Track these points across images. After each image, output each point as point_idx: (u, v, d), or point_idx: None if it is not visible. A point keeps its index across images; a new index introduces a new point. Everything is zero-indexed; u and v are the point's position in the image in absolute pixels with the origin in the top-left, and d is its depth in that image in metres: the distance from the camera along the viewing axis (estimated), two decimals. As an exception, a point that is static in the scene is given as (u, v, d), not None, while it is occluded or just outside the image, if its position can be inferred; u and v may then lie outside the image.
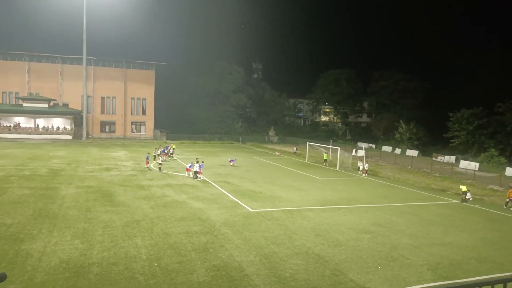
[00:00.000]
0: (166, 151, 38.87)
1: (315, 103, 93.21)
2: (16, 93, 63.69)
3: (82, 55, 61.41)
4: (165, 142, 55.86)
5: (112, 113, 69.43)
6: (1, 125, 59.24)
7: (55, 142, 54.03)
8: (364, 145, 60.73)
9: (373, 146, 66.99)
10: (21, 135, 58.06)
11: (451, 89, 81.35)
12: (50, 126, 61.69)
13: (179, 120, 74.85)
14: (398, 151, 58.75)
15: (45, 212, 16.36)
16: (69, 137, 60.71)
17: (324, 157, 40.86)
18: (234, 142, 67.42)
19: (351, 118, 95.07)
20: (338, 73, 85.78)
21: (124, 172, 28.62)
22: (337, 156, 38.11)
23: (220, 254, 12.26)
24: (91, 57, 64.69)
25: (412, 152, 55.26)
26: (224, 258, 11.98)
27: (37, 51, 65.18)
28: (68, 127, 62.59)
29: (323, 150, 43.49)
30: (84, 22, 58.43)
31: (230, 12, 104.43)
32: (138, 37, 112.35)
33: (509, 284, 3.91)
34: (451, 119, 58.32)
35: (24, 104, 60.96)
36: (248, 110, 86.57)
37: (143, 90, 70.18)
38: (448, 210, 20.84)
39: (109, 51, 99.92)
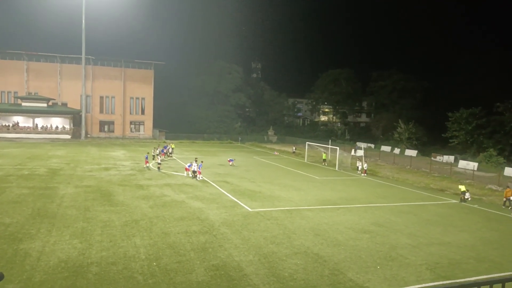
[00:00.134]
0: (165, 151, 38.85)
1: (314, 102, 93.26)
2: (15, 92, 63.55)
3: (81, 55, 61.32)
4: (164, 142, 55.83)
5: (111, 113, 69.32)
6: (0, 125, 59.12)
7: (54, 142, 53.94)
8: (363, 145, 60.78)
9: (372, 146, 67.03)
10: (20, 135, 57.92)
11: (450, 89, 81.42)
12: (49, 126, 61.59)
13: (178, 120, 74.78)
14: (397, 151, 58.81)
15: (43, 212, 16.34)
16: (68, 136, 60.59)
17: (323, 157, 40.88)
18: (233, 142, 67.38)
19: (350, 118, 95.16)
20: (337, 73, 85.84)
21: (123, 172, 28.59)
22: (336, 156, 38.12)
23: (219, 254, 12.26)
24: (90, 57, 64.56)
25: (411, 152, 55.33)
26: (223, 257, 11.97)
27: (36, 50, 65.08)
28: (67, 126, 62.48)
29: (322, 150, 43.48)
30: (83, 21, 58.33)
31: (230, 12, 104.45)
32: (137, 37, 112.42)
33: (508, 284, 3.91)
34: (450, 119, 58.35)
35: (23, 104, 60.83)
36: (247, 109, 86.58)
37: (142, 90, 70.08)
38: (447, 210, 20.87)
39: (108, 50, 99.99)
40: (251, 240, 13.78)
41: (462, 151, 54.98)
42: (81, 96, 63.36)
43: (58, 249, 12.06)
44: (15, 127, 59.58)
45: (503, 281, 3.86)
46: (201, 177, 26.79)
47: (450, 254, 13.40)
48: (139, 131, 70.78)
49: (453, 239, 15.21)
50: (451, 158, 48.63)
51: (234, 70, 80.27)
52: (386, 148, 62.13)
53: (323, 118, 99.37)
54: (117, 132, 69.09)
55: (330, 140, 47.43)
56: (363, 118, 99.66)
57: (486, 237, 15.83)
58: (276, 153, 50.58)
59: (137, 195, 20.64)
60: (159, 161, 30.73)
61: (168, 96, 76.90)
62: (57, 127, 62.00)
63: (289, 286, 10.22)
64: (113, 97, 69.11)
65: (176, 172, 29.76)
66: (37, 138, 56.99)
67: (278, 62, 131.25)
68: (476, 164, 41.87)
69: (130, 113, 70.35)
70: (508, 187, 23.13)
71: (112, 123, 69.31)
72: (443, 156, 50.42)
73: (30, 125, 60.65)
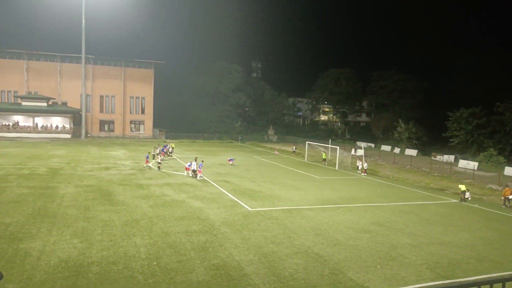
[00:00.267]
0: (165, 150, 38.85)
1: (314, 102, 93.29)
2: (15, 91, 63.53)
3: (81, 54, 61.33)
4: (164, 141, 55.83)
5: (111, 112, 69.33)
6: (0, 124, 59.13)
7: (54, 141, 53.93)
8: (363, 144, 60.74)
9: (372, 145, 67.09)
10: (20, 134, 57.94)
11: (450, 89, 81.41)
12: (49, 125, 61.60)
13: (178, 119, 74.80)
14: (397, 150, 58.84)
15: (44, 211, 16.34)
16: (68, 136, 60.62)
17: (323, 157, 40.89)
18: (234, 141, 67.39)
19: (350, 118, 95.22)
20: (338, 73, 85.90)
21: (123, 171, 28.60)
22: (336, 155, 38.11)
23: (219, 253, 12.26)
24: (90, 56, 64.58)
25: (411, 152, 55.35)
26: (223, 257, 11.98)
27: (36, 49, 65.06)
28: (67, 126, 62.49)
29: (322, 149, 43.48)
30: (83, 20, 58.33)
31: (230, 12, 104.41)
32: (137, 36, 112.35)
33: (508, 283, 3.91)
34: (450, 118, 58.38)
35: (23, 103, 60.85)
36: (247, 109, 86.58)
37: (142, 89, 70.07)
38: (447, 210, 20.87)
39: (108, 49, 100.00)
40: (251, 240, 13.79)
41: (462, 151, 55.00)
42: (81, 95, 63.37)
43: (59, 248, 12.06)
44: (15, 127, 59.61)
45: (503, 280, 3.87)
46: (202, 177, 26.80)
47: (450, 254, 13.40)
48: (139, 131, 70.79)
49: (454, 239, 15.21)
50: (451, 158, 48.65)
51: (234, 70, 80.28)
52: (386, 148, 62.16)
53: (323, 117, 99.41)
54: (117, 131, 69.10)
55: (330, 140, 47.44)
56: (363, 117, 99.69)
57: (486, 237, 15.83)
58: (276, 152, 50.59)
59: (137, 194, 20.64)
60: (159, 161, 30.74)
61: (168, 96, 76.92)
62: (57, 126, 62.01)
63: (289, 286, 10.22)
64: (113, 96, 69.11)
65: (176, 171, 29.77)
66: (37, 138, 57.00)
67: (278, 61, 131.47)
68: (476, 164, 41.88)
69: (130, 113, 70.35)
70: (507, 186, 23.14)
71: (112, 122, 69.32)
72: (443, 156, 50.43)
73: (30, 124, 60.67)
